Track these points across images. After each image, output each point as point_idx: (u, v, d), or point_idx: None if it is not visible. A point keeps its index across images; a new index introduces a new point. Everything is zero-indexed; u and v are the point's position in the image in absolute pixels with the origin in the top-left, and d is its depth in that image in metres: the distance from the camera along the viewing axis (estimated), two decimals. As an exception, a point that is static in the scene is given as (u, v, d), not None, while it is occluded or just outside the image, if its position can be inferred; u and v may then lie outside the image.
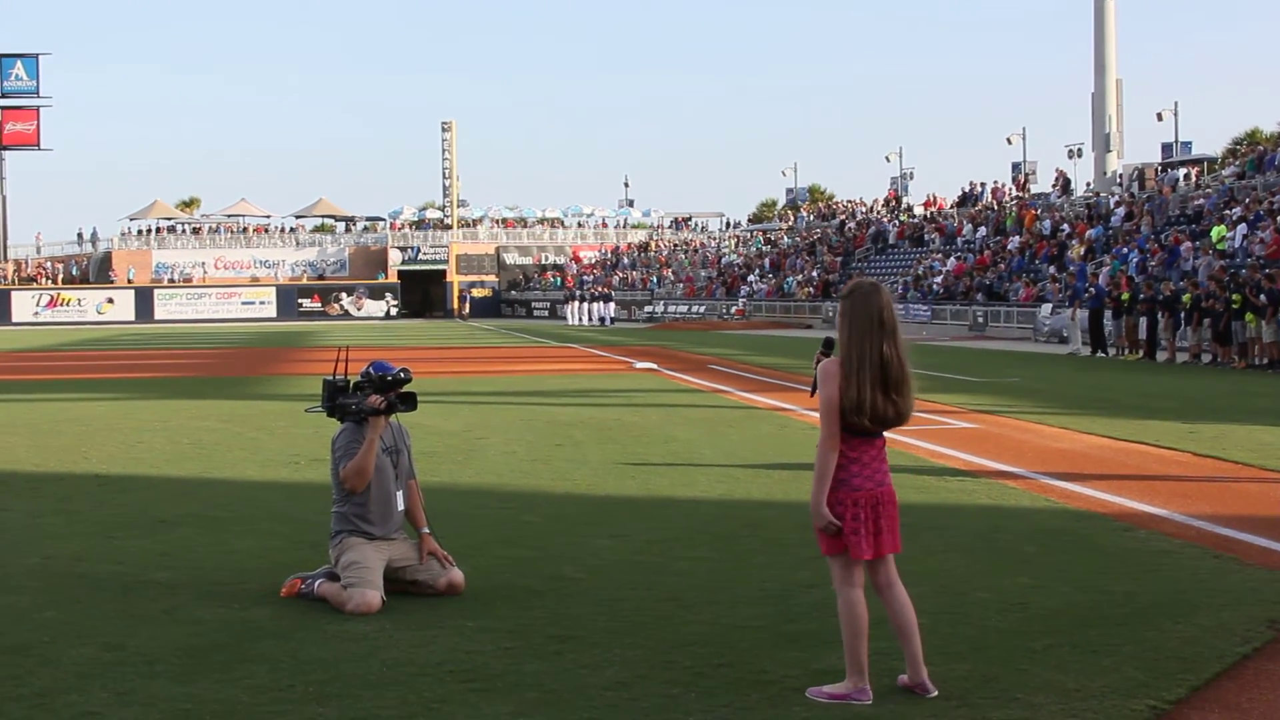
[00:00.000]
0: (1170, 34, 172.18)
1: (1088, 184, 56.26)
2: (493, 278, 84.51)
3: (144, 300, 76.24)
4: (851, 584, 5.20)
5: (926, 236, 57.49)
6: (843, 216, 70.31)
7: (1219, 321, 26.32)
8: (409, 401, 7.10)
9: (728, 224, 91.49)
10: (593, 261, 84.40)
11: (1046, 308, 38.45)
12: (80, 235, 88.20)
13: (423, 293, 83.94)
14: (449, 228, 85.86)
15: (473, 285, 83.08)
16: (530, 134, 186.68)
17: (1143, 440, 13.50)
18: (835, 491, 5.17)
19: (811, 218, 75.76)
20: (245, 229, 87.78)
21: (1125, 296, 30.04)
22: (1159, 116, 57.14)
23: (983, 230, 53.12)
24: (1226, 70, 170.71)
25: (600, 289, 69.80)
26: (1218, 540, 8.33)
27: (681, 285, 70.19)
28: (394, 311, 78.32)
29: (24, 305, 74.96)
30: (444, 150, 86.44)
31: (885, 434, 5.30)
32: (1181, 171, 49.96)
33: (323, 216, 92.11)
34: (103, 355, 36.92)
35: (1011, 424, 15.32)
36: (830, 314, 52.83)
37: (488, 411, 17.43)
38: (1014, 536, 8.52)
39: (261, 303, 77.87)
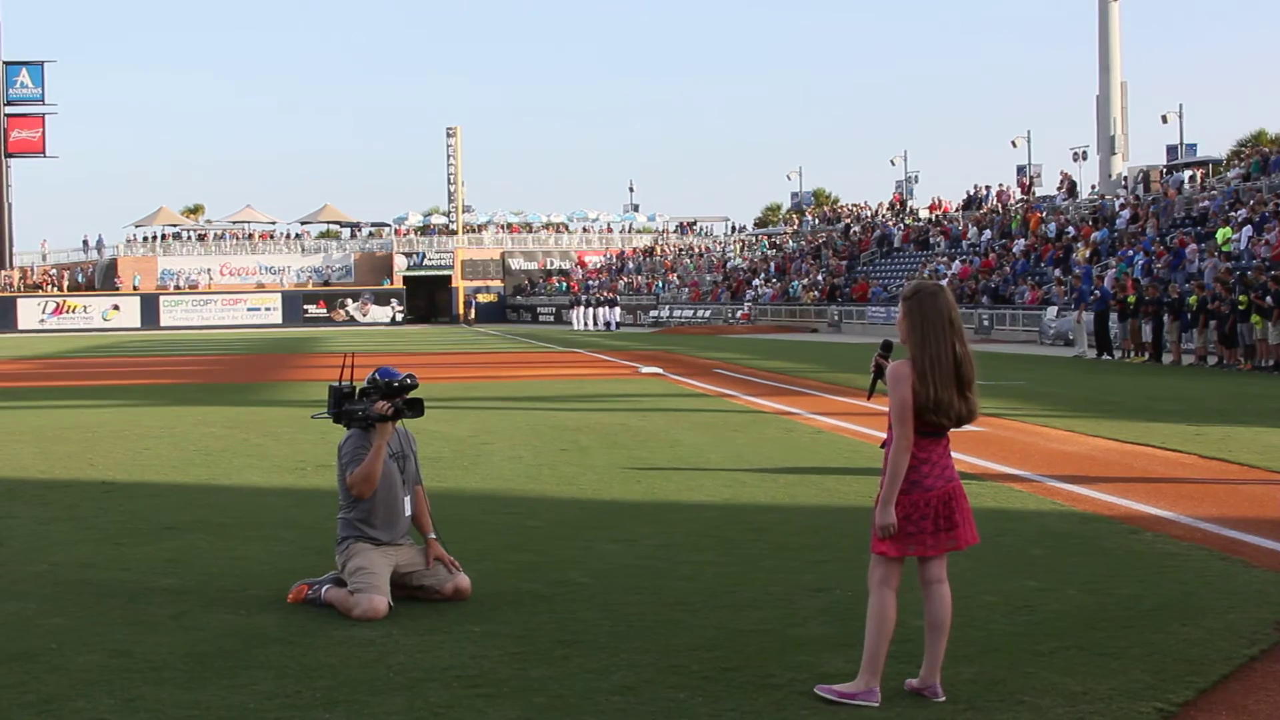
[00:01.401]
0: (1175, 36, 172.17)
1: (1093, 186, 56.22)
2: (498, 283, 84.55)
3: (150, 307, 76.30)
4: (889, 585, 5.21)
5: (931, 240, 57.47)
6: (848, 220, 70.32)
7: (1224, 324, 26.30)
8: (415, 407, 7.10)
9: (733, 228, 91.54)
10: (598, 266, 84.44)
11: (1052, 310, 38.43)
12: (86, 242, 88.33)
13: (428, 298, 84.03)
14: (454, 233, 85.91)
15: (478, 290, 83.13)
16: (535, 139, 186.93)
17: (1148, 443, 13.49)
18: (909, 494, 5.17)
19: (817, 221, 75.73)
20: (251, 235, 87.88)
21: (1131, 299, 30.01)
22: (1164, 119, 57.04)
23: (988, 233, 53.10)
24: (1231, 72, 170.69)
25: (605, 294, 69.82)
26: (1224, 542, 8.32)
27: (687, 289, 70.20)
28: (399, 317, 78.33)
29: (30, 312, 74.98)
30: (449, 156, 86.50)
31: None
32: (1186, 174, 49.95)
33: (328, 222, 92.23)
34: (108, 362, 36.96)
35: (1017, 427, 15.31)
36: (835, 318, 52.86)
37: (493, 417, 17.44)
38: (1020, 539, 8.52)
39: (267, 309, 77.88)
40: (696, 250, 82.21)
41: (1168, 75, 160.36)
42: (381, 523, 7.01)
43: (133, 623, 6.60)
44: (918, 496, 5.18)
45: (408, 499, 7.14)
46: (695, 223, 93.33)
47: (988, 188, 61.51)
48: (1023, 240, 49.00)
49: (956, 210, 62.49)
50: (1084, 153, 58.02)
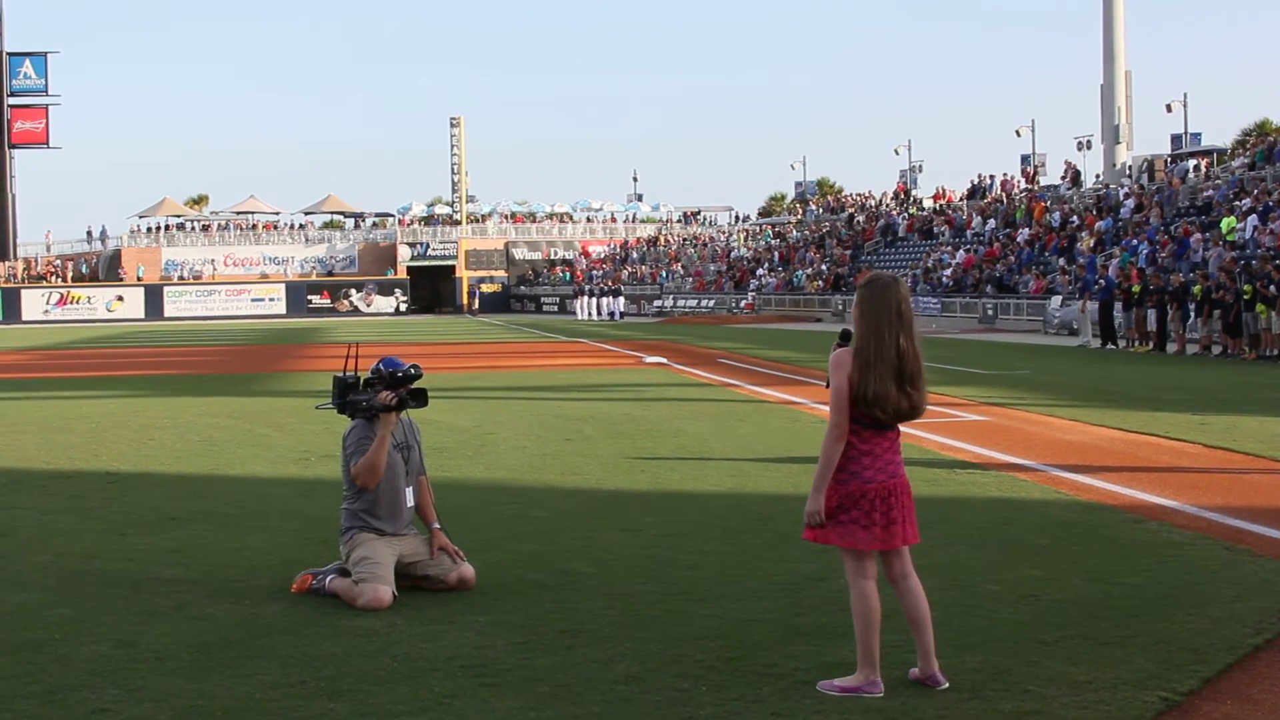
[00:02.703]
0: (1179, 25, 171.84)
1: (1097, 176, 56.16)
2: (502, 273, 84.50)
3: (154, 298, 76.42)
4: (865, 576, 5.20)
5: (936, 229, 57.43)
6: (852, 209, 70.26)
7: (1229, 313, 26.27)
8: (420, 398, 7.09)
9: (737, 218, 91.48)
10: (602, 256, 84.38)
11: (1056, 300, 38.40)
12: (89, 233, 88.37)
13: (432, 288, 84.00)
14: (458, 223, 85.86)
15: (482, 281, 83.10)
16: (539, 129, 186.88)
17: (1153, 432, 13.47)
18: (845, 485, 5.15)
19: (820, 211, 75.68)
20: (254, 226, 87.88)
21: (1135, 288, 29.98)
22: (1168, 108, 56.94)
23: (992, 222, 53.04)
24: (1236, 61, 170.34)
25: (609, 284, 69.79)
26: (1229, 532, 8.32)
27: (691, 279, 70.17)
28: (403, 307, 78.39)
29: (34, 303, 75.14)
30: (452, 146, 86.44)
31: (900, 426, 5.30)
32: (1191, 163, 49.85)
33: (332, 213, 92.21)
34: (112, 353, 36.99)
35: (1022, 416, 15.30)
36: (840, 307, 52.79)
37: (497, 407, 17.44)
38: (1025, 528, 8.51)
39: (271, 299, 77.99)
40: (700, 240, 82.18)
41: (1172, 64, 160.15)
42: (385, 513, 7.01)
43: (137, 613, 6.60)
44: (855, 488, 5.15)
45: (411, 489, 7.14)
46: (699, 212, 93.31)
47: (992, 177, 61.44)
48: (1027, 229, 48.94)
49: (961, 199, 62.44)
50: (1088, 142, 57.92)
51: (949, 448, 12.19)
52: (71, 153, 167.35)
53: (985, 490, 10.06)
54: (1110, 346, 30.36)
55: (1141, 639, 5.88)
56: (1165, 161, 50.89)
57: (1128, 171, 52.53)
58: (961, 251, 51.05)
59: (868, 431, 5.17)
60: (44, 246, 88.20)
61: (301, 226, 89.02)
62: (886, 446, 5.22)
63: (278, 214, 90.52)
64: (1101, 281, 32.54)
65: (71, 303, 75.70)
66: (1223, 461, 11.49)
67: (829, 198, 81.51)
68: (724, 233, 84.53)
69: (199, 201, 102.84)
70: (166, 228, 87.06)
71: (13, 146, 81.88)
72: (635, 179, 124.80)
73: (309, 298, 78.33)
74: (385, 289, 79.51)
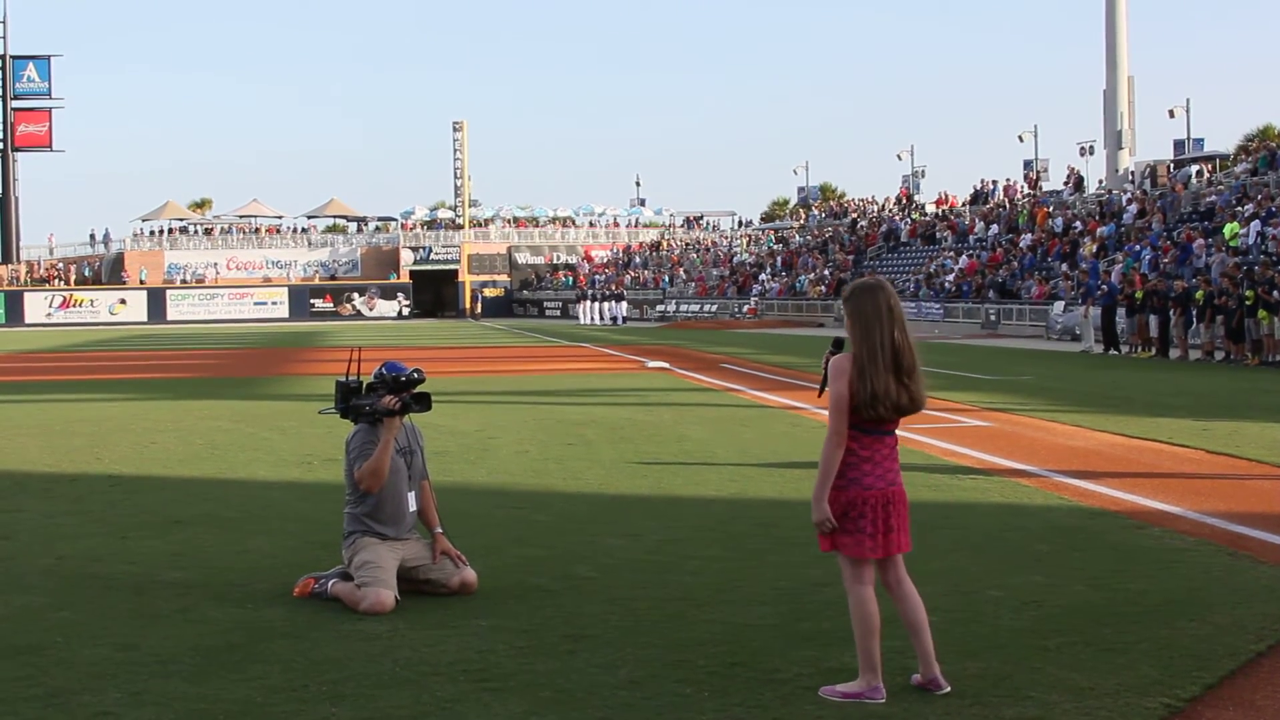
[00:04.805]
0: (1182, 31, 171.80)
1: (1100, 181, 56.12)
2: (505, 277, 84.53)
3: (156, 301, 76.43)
4: (862, 582, 5.19)
5: (938, 234, 57.42)
6: (854, 215, 70.27)
7: (1232, 318, 26.25)
8: (423, 402, 7.10)
9: (739, 222, 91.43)
10: (604, 261, 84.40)
11: (1059, 305, 38.39)
12: (92, 236, 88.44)
13: (435, 292, 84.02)
14: (461, 227, 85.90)
15: (485, 285, 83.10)
16: (541, 133, 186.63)
17: (1156, 438, 13.47)
18: (845, 491, 5.15)
19: (823, 216, 75.68)
20: (257, 229, 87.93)
21: (1138, 294, 29.97)
22: (1171, 113, 56.97)
23: (995, 228, 53.04)
24: (1238, 67, 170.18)
25: (612, 288, 69.79)
26: (1231, 538, 8.31)
27: (693, 284, 70.17)
28: (406, 311, 78.38)
29: (37, 306, 75.18)
30: (455, 150, 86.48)
31: (898, 430, 5.30)
32: (1194, 168, 49.82)
33: (334, 217, 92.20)
34: (115, 356, 37.00)
35: (1024, 422, 15.29)
36: (842, 313, 52.82)
37: (500, 411, 17.44)
38: (1027, 534, 8.51)
39: (274, 303, 77.99)
40: (703, 245, 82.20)
41: (1175, 70, 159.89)
42: (388, 517, 7.01)
43: (139, 616, 6.60)
44: (855, 494, 5.15)
45: (413, 494, 7.14)
46: (702, 217, 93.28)
47: (994, 182, 61.44)
48: (1029, 235, 48.94)
49: (963, 205, 62.44)
50: (1091, 147, 57.90)
51: (951, 453, 12.18)
52: (75, 156, 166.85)
53: (988, 496, 10.06)
54: (1113, 352, 30.35)
55: (1144, 645, 5.87)
56: (1168, 167, 50.90)
57: (1130, 177, 52.51)
58: (964, 257, 51.05)
59: (868, 438, 5.17)
60: (47, 249, 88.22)
61: (304, 230, 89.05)
62: (886, 454, 5.22)
63: (280, 218, 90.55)
64: (1104, 287, 32.54)
65: (74, 306, 75.75)
66: (1225, 467, 11.49)
67: (831, 203, 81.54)
68: (726, 238, 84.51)
69: (202, 205, 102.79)
70: (169, 231, 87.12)
71: (16, 149, 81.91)
72: (638, 183, 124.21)
73: (311, 302, 78.33)
74: (388, 293, 79.51)
